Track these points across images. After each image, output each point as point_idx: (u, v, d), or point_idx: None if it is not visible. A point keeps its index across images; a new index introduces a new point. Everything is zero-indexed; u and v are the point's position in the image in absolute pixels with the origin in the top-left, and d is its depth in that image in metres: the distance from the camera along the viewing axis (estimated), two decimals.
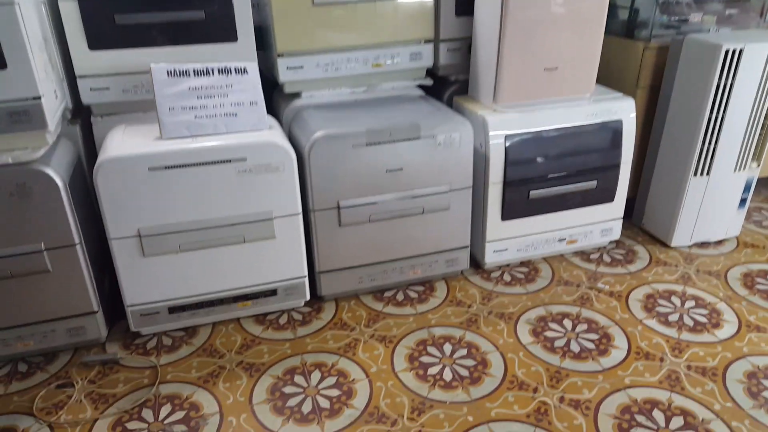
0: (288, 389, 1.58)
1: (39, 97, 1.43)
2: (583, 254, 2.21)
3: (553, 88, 1.90)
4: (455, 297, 1.97)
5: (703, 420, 1.44)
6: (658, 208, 2.24)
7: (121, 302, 1.70)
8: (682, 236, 2.20)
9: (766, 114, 2.00)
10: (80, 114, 1.82)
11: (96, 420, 1.48)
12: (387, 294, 1.99)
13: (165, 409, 1.51)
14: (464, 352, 1.70)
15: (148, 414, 1.50)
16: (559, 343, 1.73)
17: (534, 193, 1.97)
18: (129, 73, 1.69)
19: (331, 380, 1.60)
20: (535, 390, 1.55)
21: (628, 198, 2.16)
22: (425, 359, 1.68)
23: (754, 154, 2.08)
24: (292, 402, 1.53)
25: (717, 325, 1.79)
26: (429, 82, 2.10)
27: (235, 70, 1.63)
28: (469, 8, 1.94)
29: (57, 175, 1.48)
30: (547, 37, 1.81)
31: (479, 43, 1.92)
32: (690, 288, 1.98)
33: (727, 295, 1.94)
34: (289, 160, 1.63)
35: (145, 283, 1.67)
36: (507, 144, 1.87)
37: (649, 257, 2.18)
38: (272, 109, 2.04)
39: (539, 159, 1.93)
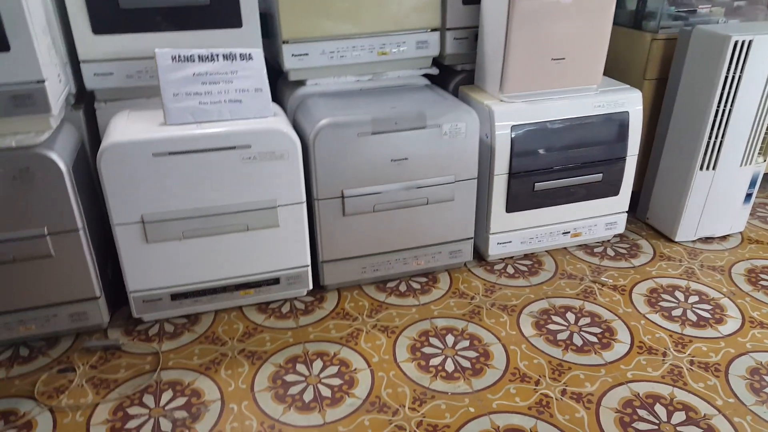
0: (290, 377, 1.57)
1: (43, 81, 1.42)
2: (587, 248, 2.20)
3: (560, 78, 1.89)
4: (458, 288, 1.96)
5: (705, 415, 1.44)
6: (662, 202, 2.22)
7: (123, 288, 1.70)
8: (686, 231, 2.19)
9: None
10: (83, 99, 1.81)
11: (97, 404, 1.49)
12: (390, 284, 1.99)
13: (166, 395, 1.51)
14: (466, 343, 1.70)
15: (149, 400, 1.50)
16: (561, 336, 1.72)
17: (539, 185, 1.96)
18: (133, 59, 1.68)
19: (333, 369, 1.60)
20: (537, 382, 1.55)
21: (633, 192, 2.15)
22: (427, 350, 1.67)
23: (760, 149, 2.07)
24: (294, 390, 1.53)
25: (720, 321, 1.79)
26: (435, 71, 2.08)
27: (240, 56, 1.62)
28: None
29: (60, 159, 1.47)
30: (554, 27, 1.79)
31: (486, 32, 1.90)
32: (694, 283, 1.98)
33: (730, 291, 1.93)
34: (293, 147, 1.62)
35: (148, 270, 1.66)
36: (513, 135, 1.86)
37: (653, 252, 2.17)
38: (276, 97, 2.03)
39: (545, 150, 1.91)
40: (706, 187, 2.09)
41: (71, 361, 1.64)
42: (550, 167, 1.95)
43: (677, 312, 1.83)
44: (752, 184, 2.14)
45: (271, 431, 1.41)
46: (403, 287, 1.97)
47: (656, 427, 1.41)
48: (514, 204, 1.97)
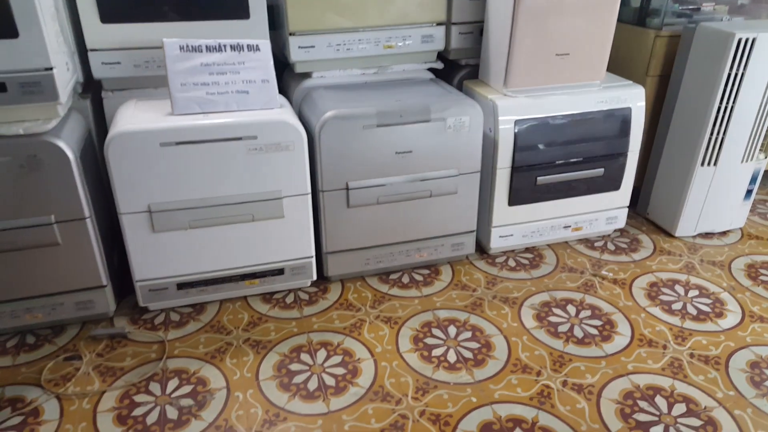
0: (294, 366, 1.59)
1: (51, 68, 1.42)
2: (588, 242, 2.22)
3: (563, 74, 1.90)
4: (460, 281, 1.98)
5: (705, 407, 1.46)
6: (663, 197, 2.24)
7: (129, 277, 1.71)
8: (686, 226, 2.21)
9: None
10: (91, 88, 1.82)
11: (104, 392, 1.50)
12: (393, 276, 2.00)
13: (172, 383, 1.53)
14: (468, 334, 1.72)
15: (155, 387, 1.51)
16: (562, 329, 1.74)
17: (541, 179, 1.97)
18: (141, 48, 1.69)
19: (337, 359, 1.62)
20: (539, 373, 1.57)
21: (634, 187, 2.16)
22: (430, 341, 1.69)
23: (761, 146, 2.08)
24: (298, 379, 1.54)
25: (720, 315, 1.81)
26: (439, 65, 2.09)
27: (248, 47, 1.62)
28: None
29: (68, 147, 1.47)
30: (559, 22, 1.80)
31: (491, 27, 1.91)
32: (694, 277, 2.00)
33: (730, 286, 1.95)
34: (299, 139, 1.63)
35: (154, 259, 1.67)
36: (516, 129, 1.87)
37: (653, 246, 2.18)
38: (282, 89, 2.03)
39: (548, 145, 1.93)
40: (707, 183, 2.11)
41: (78, 349, 1.65)
42: (552, 162, 1.96)
43: (677, 306, 1.84)
44: (753, 180, 2.16)
45: (276, 419, 1.42)
46: (405, 279, 1.99)
47: (657, 418, 1.42)
48: (516, 197, 1.99)
